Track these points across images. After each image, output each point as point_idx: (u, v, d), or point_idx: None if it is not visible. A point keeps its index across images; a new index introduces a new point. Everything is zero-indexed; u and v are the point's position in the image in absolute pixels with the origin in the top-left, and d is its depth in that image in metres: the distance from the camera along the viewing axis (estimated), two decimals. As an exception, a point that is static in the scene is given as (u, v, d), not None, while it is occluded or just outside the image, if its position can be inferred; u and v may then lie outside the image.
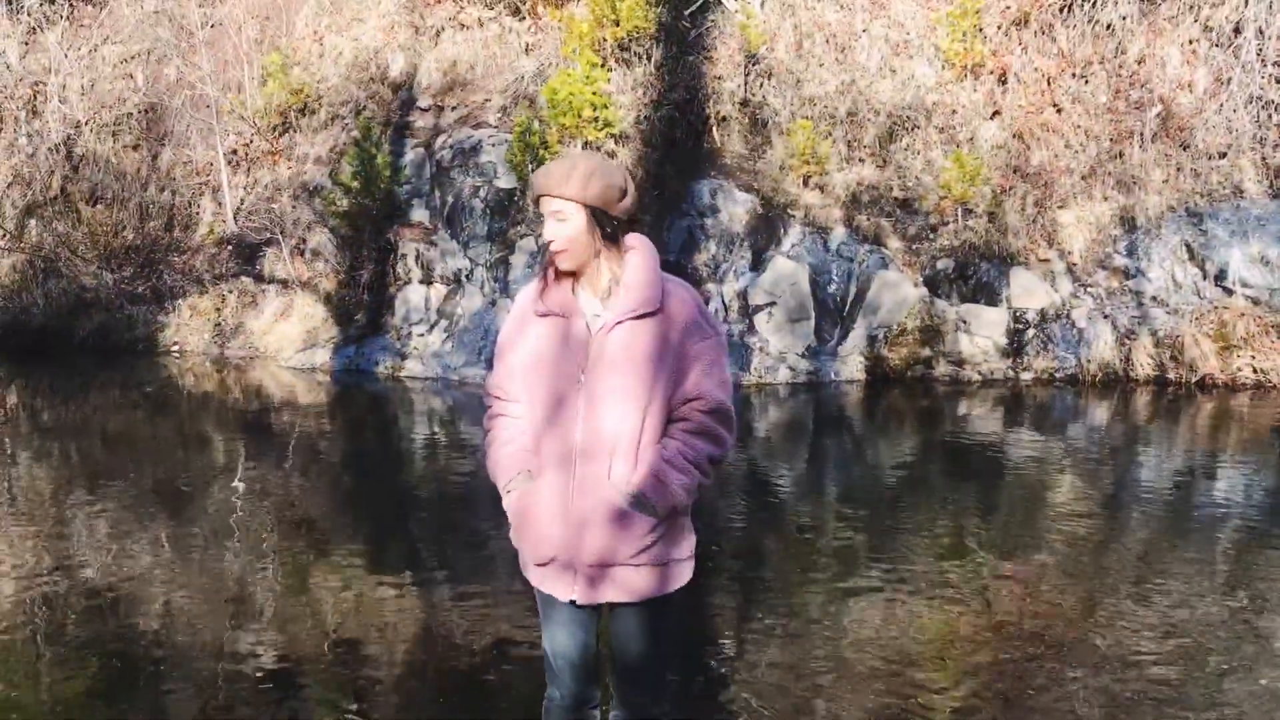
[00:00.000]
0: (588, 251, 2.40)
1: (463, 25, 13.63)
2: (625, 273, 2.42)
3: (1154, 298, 10.83)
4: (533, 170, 11.36)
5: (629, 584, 2.43)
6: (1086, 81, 12.08)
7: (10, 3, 15.52)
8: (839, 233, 11.30)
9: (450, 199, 11.94)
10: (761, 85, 12.32)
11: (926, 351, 10.74)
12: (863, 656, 4.06)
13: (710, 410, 2.43)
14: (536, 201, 2.45)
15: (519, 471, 2.47)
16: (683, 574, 2.51)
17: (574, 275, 2.46)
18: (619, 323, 2.38)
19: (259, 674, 3.89)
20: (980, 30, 12.27)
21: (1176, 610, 4.58)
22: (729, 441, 2.47)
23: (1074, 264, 11.14)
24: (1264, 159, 11.41)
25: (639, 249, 2.45)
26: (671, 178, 11.54)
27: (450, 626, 4.35)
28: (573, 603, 2.47)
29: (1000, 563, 5.25)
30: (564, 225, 2.38)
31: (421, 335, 11.45)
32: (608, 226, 2.40)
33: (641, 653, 2.53)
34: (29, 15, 15.47)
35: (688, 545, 2.52)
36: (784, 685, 3.80)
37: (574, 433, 2.38)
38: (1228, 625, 4.42)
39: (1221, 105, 11.54)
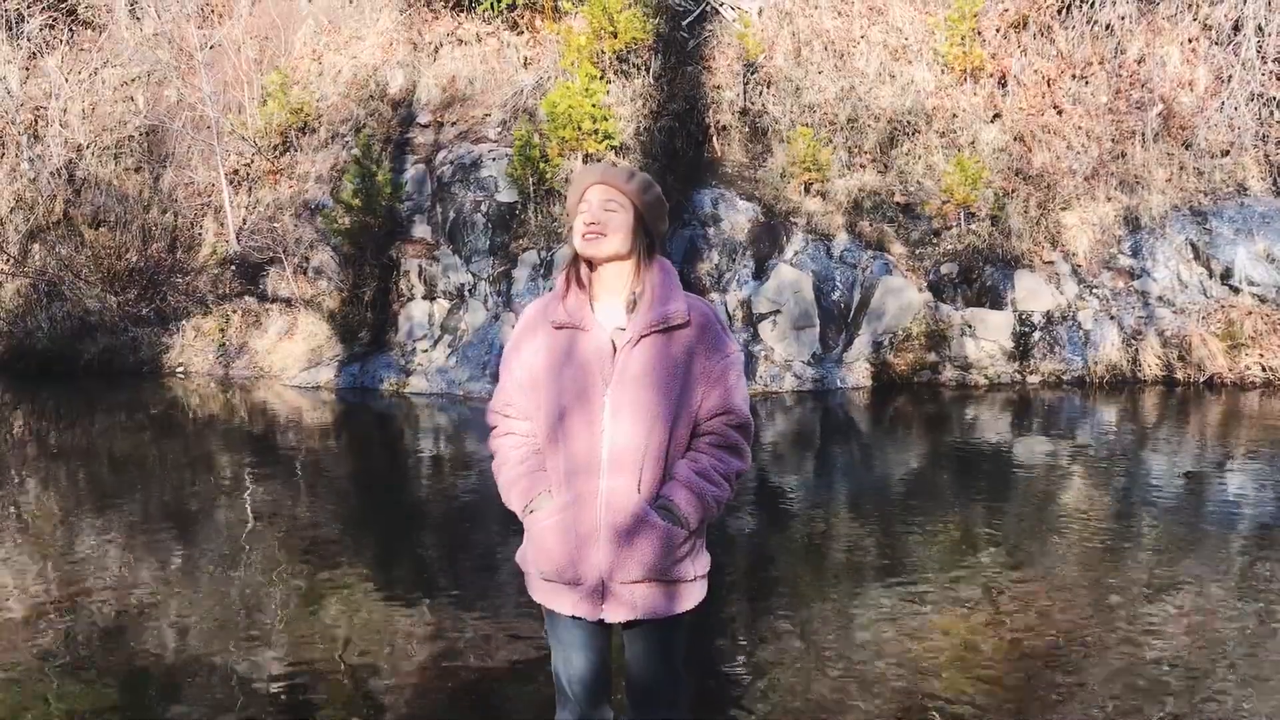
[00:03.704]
0: (624, 248, 2.39)
1: (461, 41, 13.66)
2: (650, 287, 2.40)
3: (1160, 298, 10.79)
4: (534, 184, 11.36)
5: (659, 600, 2.39)
6: (1087, 82, 12.06)
7: (11, 28, 15.60)
8: (841, 239, 11.28)
9: (452, 214, 11.94)
10: (761, 93, 12.33)
11: (932, 356, 10.70)
12: (875, 666, 4.01)
13: (739, 425, 2.45)
14: (580, 194, 2.41)
15: (539, 491, 2.41)
16: (702, 590, 2.49)
17: (590, 285, 2.44)
18: (647, 335, 2.35)
19: (269, 693, 3.86)
20: (978, 34, 12.27)
21: (1192, 615, 4.53)
22: (750, 456, 2.49)
23: (1079, 265, 11.10)
24: (1267, 156, 11.39)
25: (662, 267, 2.47)
26: (673, 188, 11.53)
27: (459, 644, 4.31)
28: (587, 620, 2.42)
29: (1012, 569, 5.20)
30: (615, 215, 2.38)
31: (425, 351, 11.44)
32: (647, 238, 2.43)
33: (662, 668, 2.50)
34: (29, 40, 15.54)
35: (707, 559, 2.50)
36: (796, 696, 3.76)
37: (598, 446, 2.33)
38: (1244, 630, 4.36)
39: (1223, 103, 11.52)
